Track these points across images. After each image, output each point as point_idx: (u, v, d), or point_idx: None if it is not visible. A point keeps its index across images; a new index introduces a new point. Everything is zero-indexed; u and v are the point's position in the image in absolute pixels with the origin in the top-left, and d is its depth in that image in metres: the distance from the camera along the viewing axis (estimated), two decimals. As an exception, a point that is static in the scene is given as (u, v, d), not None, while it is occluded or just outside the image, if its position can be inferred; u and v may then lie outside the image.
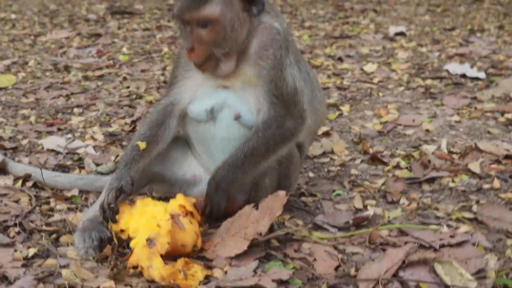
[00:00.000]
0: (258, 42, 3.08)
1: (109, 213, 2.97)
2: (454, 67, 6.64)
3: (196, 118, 3.18)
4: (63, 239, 3.16)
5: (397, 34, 8.89)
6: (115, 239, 2.99)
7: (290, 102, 3.09)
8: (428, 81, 6.27)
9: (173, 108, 3.23)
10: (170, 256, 2.80)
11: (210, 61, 3.03)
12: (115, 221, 2.96)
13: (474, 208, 3.49)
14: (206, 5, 2.92)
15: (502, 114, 5.14)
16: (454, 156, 4.30)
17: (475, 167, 4.05)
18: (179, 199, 2.99)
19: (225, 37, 2.97)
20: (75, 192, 3.70)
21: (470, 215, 3.41)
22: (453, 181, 3.91)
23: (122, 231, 2.93)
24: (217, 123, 3.14)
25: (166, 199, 3.43)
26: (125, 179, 3.08)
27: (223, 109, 3.13)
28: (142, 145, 3.14)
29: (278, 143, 3.11)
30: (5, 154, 4.21)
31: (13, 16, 10.80)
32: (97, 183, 3.74)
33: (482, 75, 6.37)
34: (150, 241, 2.77)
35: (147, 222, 2.89)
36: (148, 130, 3.21)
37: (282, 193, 2.98)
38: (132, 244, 2.84)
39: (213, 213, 3.10)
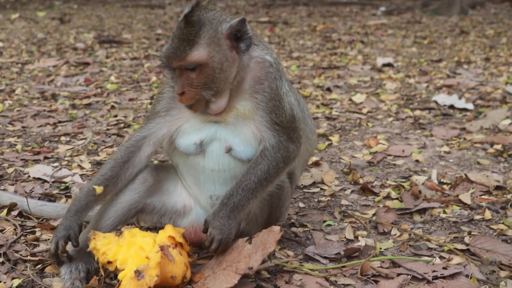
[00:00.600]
0: (252, 77, 3.05)
1: (66, 260, 2.96)
2: (443, 98, 6.67)
3: (185, 151, 3.14)
4: (48, 269, 3.09)
5: (384, 65, 8.95)
6: (102, 270, 2.92)
7: (290, 128, 3.09)
8: (417, 112, 6.28)
9: (144, 142, 3.17)
10: None
11: (200, 102, 2.99)
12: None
13: (466, 239, 3.46)
14: (192, 49, 2.89)
15: (491, 145, 5.15)
16: (445, 186, 4.28)
17: (466, 198, 4.03)
18: (168, 230, 2.93)
19: (214, 78, 2.93)
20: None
21: (463, 247, 3.37)
22: (444, 212, 3.89)
23: (109, 262, 2.86)
24: (207, 155, 3.10)
25: (154, 229, 3.38)
26: (74, 229, 2.98)
27: (212, 142, 3.09)
28: (99, 189, 3.06)
29: (284, 166, 3.09)
30: (-10, 183, 4.14)
31: (0, 44, 10.76)
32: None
33: (470, 106, 6.40)
34: (138, 273, 2.70)
35: (135, 253, 2.82)
36: (109, 171, 3.14)
37: (276, 228, 2.92)
38: (120, 276, 2.77)
39: (222, 245, 2.93)
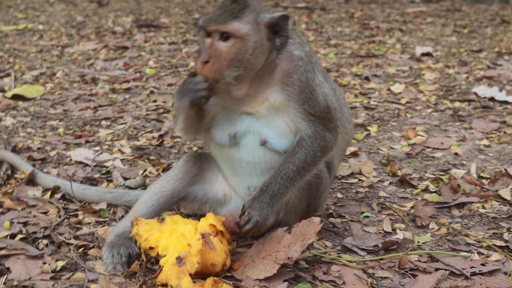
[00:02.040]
0: (281, 69, 3.07)
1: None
2: (483, 90, 6.59)
3: (219, 142, 3.18)
4: (91, 252, 3.17)
5: (423, 54, 8.85)
6: (143, 256, 2.98)
7: (326, 118, 3.10)
8: (456, 104, 6.22)
9: None
10: (199, 275, 2.78)
11: (220, 84, 2.98)
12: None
13: (505, 235, 3.44)
14: (235, 19, 2.91)
15: (532, 139, 5.08)
16: (484, 181, 4.25)
17: (505, 193, 4.00)
18: (210, 218, 2.97)
19: (243, 58, 2.93)
20: (103, 205, 3.70)
21: (501, 243, 3.35)
22: (483, 207, 3.87)
23: (151, 248, 2.92)
24: (241, 148, 3.13)
25: (194, 216, 3.43)
26: None
27: (246, 135, 3.12)
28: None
29: (321, 155, 3.12)
30: (34, 165, 4.23)
31: (40, 27, 10.91)
32: (126, 198, 3.74)
33: (511, 99, 6.31)
34: (180, 260, 2.75)
35: (177, 240, 2.87)
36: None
37: (316, 219, 2.94)
38: (161, 262, 2.82)
39: (256, 227, 2.96)
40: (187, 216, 3.48)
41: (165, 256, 2.86)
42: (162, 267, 2.81)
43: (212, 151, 3.34)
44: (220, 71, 2.92)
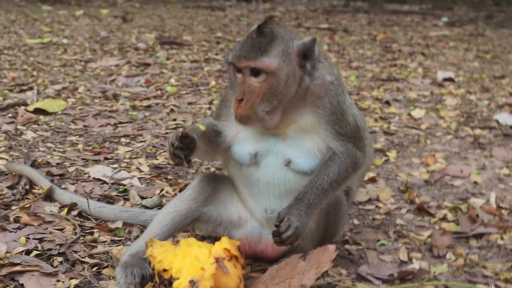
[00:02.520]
0: (312, 94, 3.05)
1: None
2: (504, 118, 6.54)
3: (239, 160, 3.17)
4: (105, 272, 3.17)
5: (445, 79, 8.82)
6: (157, 278, 2.97)
7: (356, 138, 3.13)
8: (477, 131, 6.18)
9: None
10: None
11: (253, 118, 2.95)
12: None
13: (524, 268, 3.39)
14: (264, 54, 2.89)
15: (554, 170, 5.02)
16: (503, 211, 4.20)
17: (525, 225, 3.95)
18: (224, 242, 2.96)
19: (277, 92, 2.92)
20: (119, 224, 3.71)
21: (519, 276, 3.31)
22: (501, 238, 3.82)
23: (165, 270, 2.91)
24: (262, 168, 3.13)
25: (209, 238, 3.42)
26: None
27: (268, 155, 3.11)
28: (202, 127, 3.15)
29: (352, 171, 3.12)
30: (52, 181, 4.25)
31: (65, 41, 11.03)
32: (142, 217, 3.75)
33: (532, 127, 6.26)
34: (193, 283, 2.74)
35: (191, 263, 2.86)
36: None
37: (332, 247, 2.91)
38: (174, 285, 2.81)
39: (295, 234, 2.86)
40: (203, 239, 3.47)
41: (178, 279, 2.85)
42: None
43: (230, 170, 3.34)
44: (254, 108, 2.92)
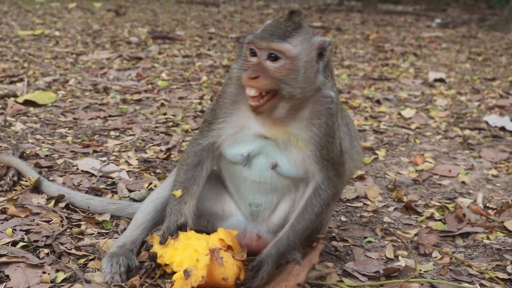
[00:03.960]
0: (312, 109, 3.01)
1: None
2: (494, 119, 6.57)
3: (230, 160, 3.17)
4: (91, 264, 3.15)
5: (436, 80, 8.84)
6: (159, 271, 3.00)
7: (339, 163, 3.11)
8: (467, 132, 6.20)
9: (210, 148, 3.19)
10: None
11: (272, 99, 2.89)
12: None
13: (509, 268, 3.41)
14: (289, 39, 2.85)
15: (542, 172, 5.05)
16: (490, 211, 4.22)
17: (511, 225, 3.97)
18: (220, 233, 2.97)
19: (291, 79, 2.86)
20: (106, 217, 3.70)
21: (504, 276, 3.32)
22: (488, 238, 3.84)
23: (166, 265, 2.96)
24: (251, 167, 3.12)
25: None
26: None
27: (258, 156, 3.10)
28: (178, 193, 3.13)
29: (331, 204, 3.18)
30: (40, 172, 4.23)
31: (57, 33, 10.99)
32: (129, 209, 3.74)
33: (522, 129, 6.29)
34: (186, 274, 2.78)
35: (189, 256, 2.90)
36: (183, 175, 3.18)
37: (320, 245, 2.97)
38: (174, 277, 2.85)
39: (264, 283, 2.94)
40: (201, 232, 3.47)
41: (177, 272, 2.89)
42: (174, 281, 2.83)
43: (219, 165, 3.32)
44: (270, 86, 2.84)
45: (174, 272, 2.92)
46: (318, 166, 3.04)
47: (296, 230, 3.04)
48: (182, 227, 3.07)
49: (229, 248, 2.94)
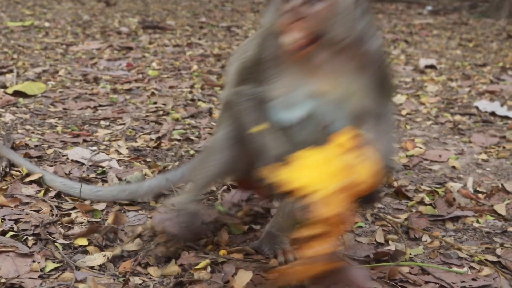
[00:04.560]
0: (359, 57, 2.80)
1: None
2: (484, 105, 6.58)
3: (278, 123, 2.90)
4: (80, 253, 3.16)
5: (427, 66, 8.85)
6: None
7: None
8: (457, 117, 6.21)
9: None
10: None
11: (313, 45, 2.67)
12: None
13: (498, 251, 3.43)
14: None
15: (531, 155, 5.07)
16: (480, 195, 4.24)
17: (500, 208, 3.99)
18: (335, 139, 2.65)
19: (332, 23, 2.65)
20: (98, 206, 3.70)
21: (494, 258, 3.35)
22: (477, 221, 3.85)
23: (291, 191, 2.55)
24: (298, 128, 2.90)
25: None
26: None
27: (308, 119, 2.87)
28: (263, 126, 2.85)
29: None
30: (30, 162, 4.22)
31: (46, 24, 10.93)
32: (141, 190, 3.83)
33: (511, 114, 6.30)
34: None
35: (319, 171, 2.54)
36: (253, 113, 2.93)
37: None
38: (313, 198, 2.48)
39: None
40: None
41: (313, 193, 2.49)
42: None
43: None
44: (309, 30, 2.65)
45: (304, 196, 2.52)
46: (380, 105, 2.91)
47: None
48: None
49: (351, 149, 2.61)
